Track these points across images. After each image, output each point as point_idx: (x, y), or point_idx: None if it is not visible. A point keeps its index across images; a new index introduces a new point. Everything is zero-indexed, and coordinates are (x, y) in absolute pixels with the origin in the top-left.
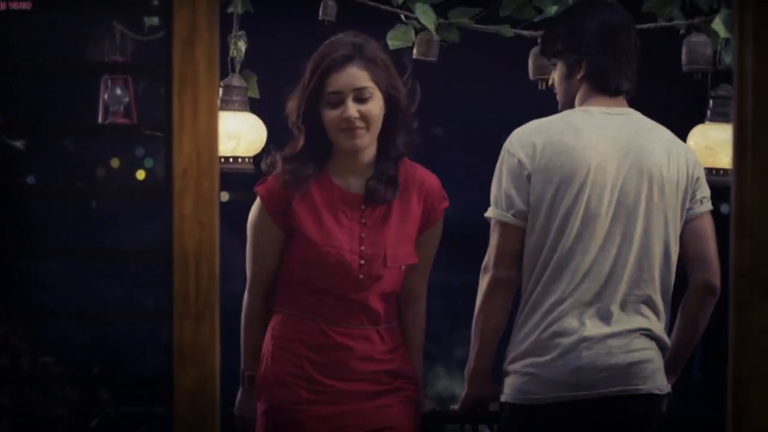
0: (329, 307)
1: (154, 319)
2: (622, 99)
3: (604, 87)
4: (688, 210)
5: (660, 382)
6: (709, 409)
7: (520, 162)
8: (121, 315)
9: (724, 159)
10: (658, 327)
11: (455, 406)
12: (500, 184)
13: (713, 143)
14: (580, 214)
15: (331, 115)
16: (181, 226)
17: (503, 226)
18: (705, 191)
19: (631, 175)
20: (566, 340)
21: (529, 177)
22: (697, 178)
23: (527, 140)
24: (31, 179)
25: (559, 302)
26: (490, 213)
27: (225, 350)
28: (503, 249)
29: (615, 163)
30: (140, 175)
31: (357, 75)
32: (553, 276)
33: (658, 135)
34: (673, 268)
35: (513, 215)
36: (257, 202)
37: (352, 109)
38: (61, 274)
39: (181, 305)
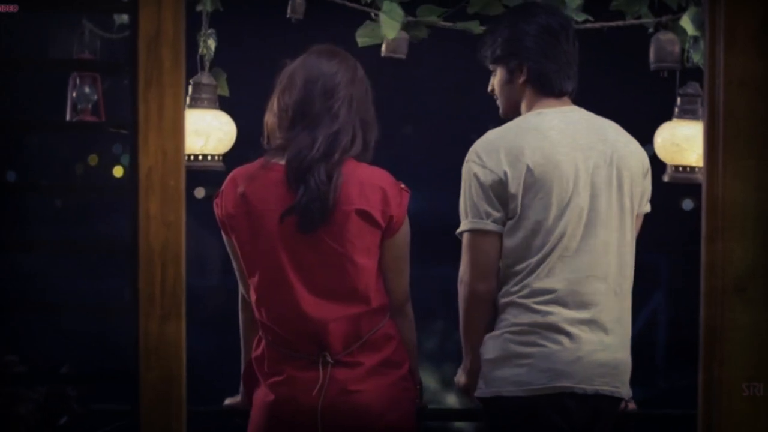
0: None
1: (121, 317)
2: (567, 99)
3: (548, 89)
4: (638, 206)
5: (627, 389)
6: (680, 406)
7: (491, 170)
8: (88, 311)
9: (691, 156)
10: (630, 322)
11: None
12: (471, 195)
13: (681, 140)
14: (563, 213)
15: None
16: (147, 226)
17: (482, 235)
18: (650, 189)
19: (600, 167)
20: (566, 332)
21: (503, 184)
22: (648, 168)
23: (493, 149)
24: (10, 176)
25: (550, 301)
26: (464, 226)
27: (205, 347)
28: (479, 260)
29: (582, 157)
30: (118, 172)
31: None
32: (544, 273)
33: (613, 129)
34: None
35: (493, 221)
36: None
37: None
38: (33, 270)
39: (147, 305)
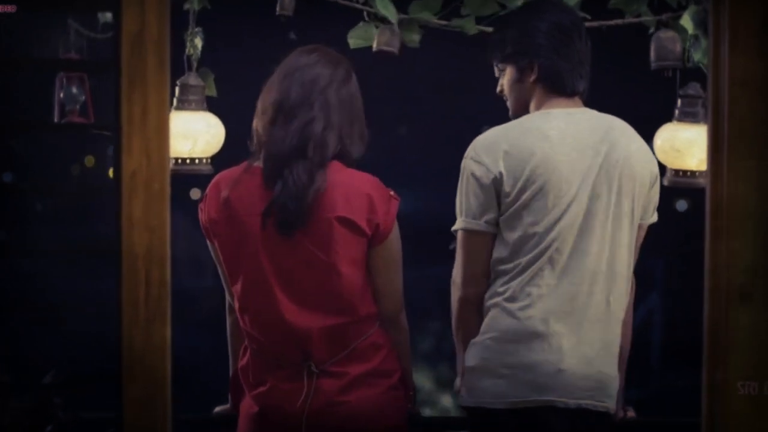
0: None
1: (104, 323)
2: (578, 99)
3: (559, 88)
4: (642, 215)
5: (613, 403)
6: (676, 407)
7: (488, 169)
8: (71, 317)
9: (691, 161)
10: (619, 336)
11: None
12: (468, 193)
13: (681, 144)
14: (558, 216)
15: None
16: (130, 230)
17: (476, 235)
18: (657, 199)
19: (602, 172)
20: (549, 342)
21: (498, 183)
22: (656, 176)
23: (492, 147)
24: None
25: (535, 306)
26: (458, 225)
27: (201, 348)
28: (470, 261)
29: (584, 162)
30: (112, 173)
31: None
32: (531, 276)
33: (622, 132)
34: (631, 269)
35: (486, 222)
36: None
37: None
38: (30, 271)
39: (131, 310)
